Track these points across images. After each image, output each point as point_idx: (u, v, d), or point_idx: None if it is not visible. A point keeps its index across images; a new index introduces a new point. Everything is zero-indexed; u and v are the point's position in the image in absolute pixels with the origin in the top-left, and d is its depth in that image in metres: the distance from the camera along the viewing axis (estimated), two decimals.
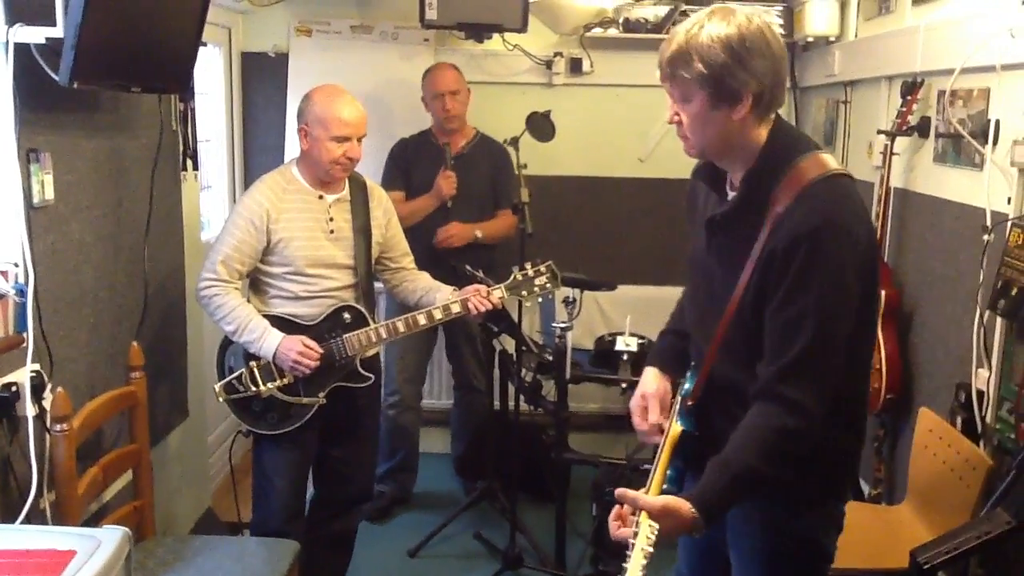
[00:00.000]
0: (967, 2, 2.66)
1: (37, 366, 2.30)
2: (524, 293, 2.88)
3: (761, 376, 1.66)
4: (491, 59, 4.28)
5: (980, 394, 2.41)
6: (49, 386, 2.33)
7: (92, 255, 2.65)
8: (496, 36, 4.11)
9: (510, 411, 3.68)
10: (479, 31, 3.98)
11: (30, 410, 2.22)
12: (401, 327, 2.77)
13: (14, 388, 2.23)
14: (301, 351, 2.66)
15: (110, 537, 1.96)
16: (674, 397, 1.93)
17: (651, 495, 1.64)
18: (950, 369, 2.65)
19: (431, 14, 3.83)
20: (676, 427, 1.82)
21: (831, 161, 1.70)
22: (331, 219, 2.77)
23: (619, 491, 1.63)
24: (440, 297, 2.88)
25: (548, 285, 2.87)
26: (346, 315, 2.78)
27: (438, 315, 2.79)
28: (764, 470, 1.62)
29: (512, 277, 2.87)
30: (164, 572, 2.50)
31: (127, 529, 1.99)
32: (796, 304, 1.61)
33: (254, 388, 2.71)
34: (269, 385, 2.71)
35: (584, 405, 4.24)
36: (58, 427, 2.20)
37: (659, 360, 2.00)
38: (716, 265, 1.80)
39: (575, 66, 4.27)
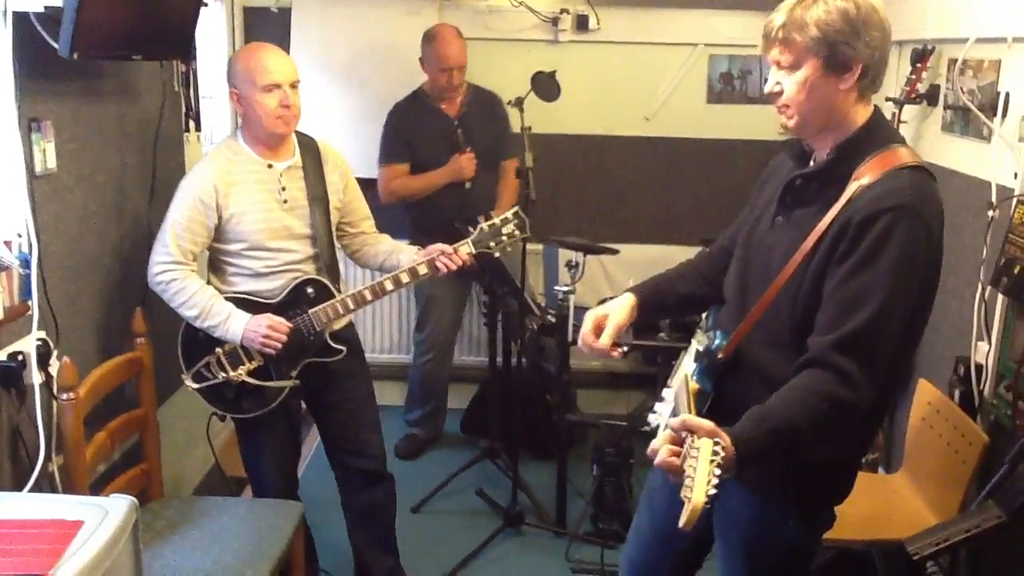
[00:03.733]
0: None
1: (43, 334, 2.32)
2: (492, 244, 2.71)
3: (814, 345, 1.64)
4: (495, 15, 4.21)
5: (979, 368, 2.42)
6: (55, 353, 2.36)
7: (95, 222, 2.66)
8: None
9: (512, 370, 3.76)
10: None
11: (36, 378, 2.25)
12: (368, 295, 2.65)
13: (20, 357, 2.26)
14: (268, 330, 2.56)
15: (117, 506, 1.99)
16: (678, 362, 1.93)
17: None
18: (951, 341, 2.66)
19: None
20: (694, 384, 1.81)
21: (917, 158, 1.71)
22: (283, 188, 2.63)
23: (675, 421, 1.57)
24: (404, 259, 2.77)
25: (516, 233, 2.72)
26: (309, 289, 2.67)
27: (405, 278, 2.68)
28: (805, 430, 1.59)
29: (478, 229, 2.73)
30: (171, 534, 2.55)
31: (133, 498, 2.02)
32: (863, 277, 1.60)
33: (223, 375, 2.62)
34: (239, 370, 2.63)
35: (586, 363, 4.27)
36: (65, 395, 2.23)
37: (642, 294, 2.01)
38: (780, 235, 1.78)
39: (581, 22, 4.20)
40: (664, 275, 2.10)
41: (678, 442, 1.54)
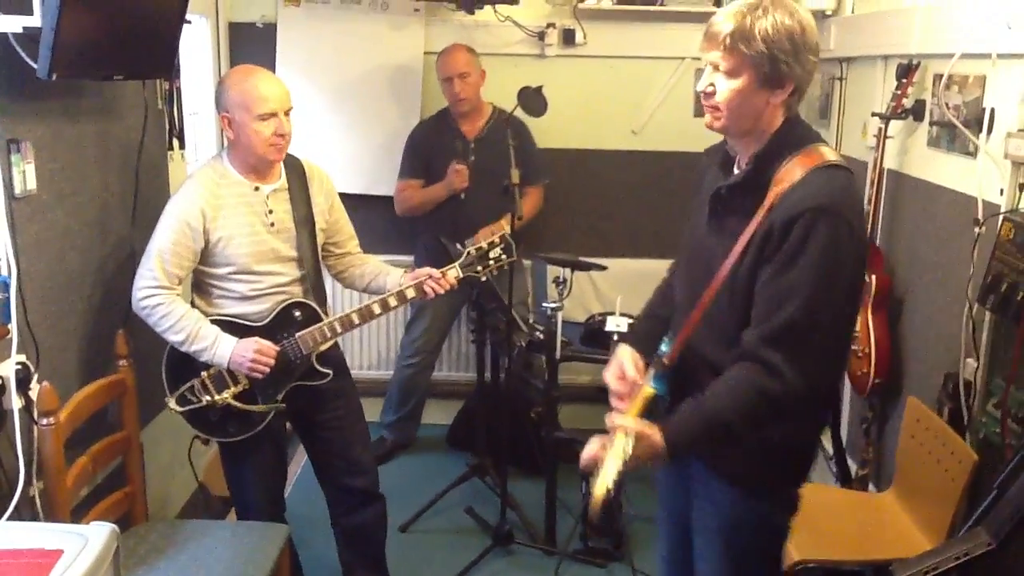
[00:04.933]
0: None
1: (22, 357, 2.29)
2: (479, 269, 2.72)
3: (745, 340, 1.73)
4: (482, 30, 4.21)
5: (968, 385, 2.41)
6: (36, 376, 2.32)
7: (78, 242, 2.63)
8: (488, 7, 4.04)
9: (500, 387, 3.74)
10: (471, 2, 3.91)
11: (16, 403, 2.22)
12: (356, 319, 2.63)
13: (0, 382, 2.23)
14: (256, 354, 2.53)
15: (97, 534, 1.97)
16: (648, 365, 1.96)
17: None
18: (939, 357, 2.65)
19: None
20: (648, 389, 1.85)
21: (834, 155, 1.78)
22: (270, 211, 2.60)
23: (608, 419, 1.71)
24: (391, 281, 2.76)
25: (503, 257, 2.73)
26: (296, 313, 2.64)
27: (393, 302, 2.67)
28: (735, 422, 1.70)
29: (466, 254, 2.74)
30: (155, 559, 2.51)
31: (114, 526, 2.00)
32: (787, 276, 1.69)
33: (208, 398, 2.59)
34: (224, 394, 2.59)
35: (575, 378, 4.25)
36: (44, 421, 2.20)
37: (635, 340, 2.06)
38: (715, 240, 1.85)
39: (568, 37, 4.21)
40: (642, 319, 2.18)
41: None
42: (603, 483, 1.59)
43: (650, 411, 1.81)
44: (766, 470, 1.84)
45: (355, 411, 2.89)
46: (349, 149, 4.27)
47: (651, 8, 4.10)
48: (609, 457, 1.62)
